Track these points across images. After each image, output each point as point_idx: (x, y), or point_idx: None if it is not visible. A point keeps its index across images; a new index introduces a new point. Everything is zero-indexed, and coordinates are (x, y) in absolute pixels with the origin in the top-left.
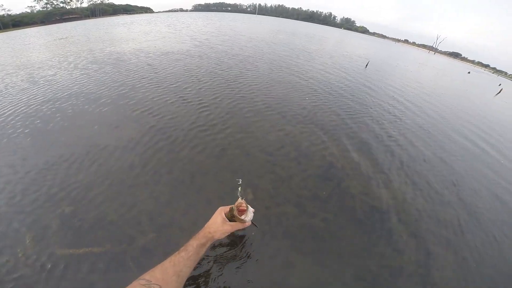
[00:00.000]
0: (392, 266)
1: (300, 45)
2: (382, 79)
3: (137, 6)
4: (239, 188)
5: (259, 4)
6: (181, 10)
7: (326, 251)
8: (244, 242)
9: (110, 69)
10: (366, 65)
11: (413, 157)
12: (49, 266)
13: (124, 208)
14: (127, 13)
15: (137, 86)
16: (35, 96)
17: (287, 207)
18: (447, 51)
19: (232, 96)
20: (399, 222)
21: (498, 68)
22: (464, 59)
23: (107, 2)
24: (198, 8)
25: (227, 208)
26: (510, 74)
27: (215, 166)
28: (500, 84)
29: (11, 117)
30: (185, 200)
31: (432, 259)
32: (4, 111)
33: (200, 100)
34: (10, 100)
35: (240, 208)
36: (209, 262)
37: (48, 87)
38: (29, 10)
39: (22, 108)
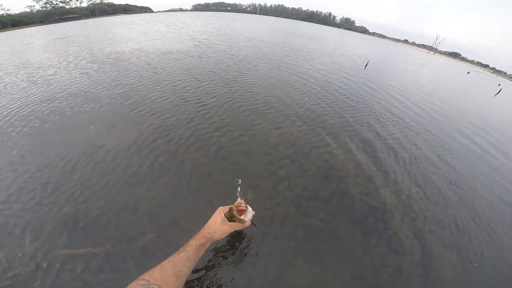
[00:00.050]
0: (392, 266)
1: (300, 45)
2: (382, 79)
3: (136, 6)
4: (239, 188)
5: (260, 4)
6: (181, 10)
7: (326, 251)
8: (244, 242)
9: (109, 68)
10: (366, 65)
11: (413, 156)
12: (49, 266)
13: (124, 208)
14: (126, 13)
15: (136, 86)
16: (34, 95)
17: (287, 207)
18: (447, 51)
19: (231, 96)
20: (398, 222)
21: (497, 68)
22: (464, 59)
23: (106, 1)
24: (197, 8)
25: (226, 208)
26: (510, 74)
27: (215, 166)
28: (499, 84)
29: (10, 117)
30: (185, 200)
31: (432, 259)
32: (4, 110)
33: (200, 100)
34: (10, 100)
35: (240, 208)
36: (208, 262)
37: (47, 86)
38: (28, 10)
39: (21, 108)
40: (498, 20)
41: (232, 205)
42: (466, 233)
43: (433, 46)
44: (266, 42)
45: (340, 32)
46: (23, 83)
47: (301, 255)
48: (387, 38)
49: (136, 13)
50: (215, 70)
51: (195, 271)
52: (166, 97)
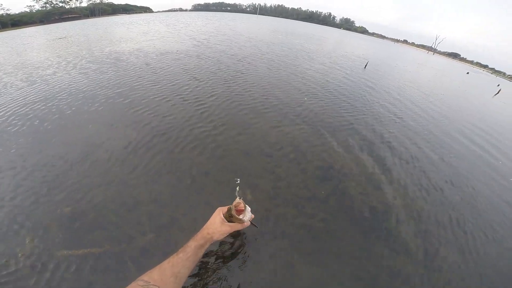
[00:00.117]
0: (391, 266)
1: (299, 45)
2: (381, 79)
3: (136, 5)
4: (237, 188)
5: (260, 4)
6: (181, 9)
7: (325, 251)
8: (243, 243)
9: (108, 68)
10: (365, 66)
11: (412, 156)
12: (49, 266)
13: (124, 208)
14: (126, 13)
15: (135, 85)
16: (34, 95)
17: (286, 207)
18: (446, 52)
19: (230, 95)
20: (398, 222)
21: (497, 69)
22: (463, 60)
23: (106, 1)
24: (197, 8)
25: (225, 209)
26: (509, 75)
27: (214, 166)
28: (498, 85)
29: (9, 116)
30: (185, 200)
31: (432, 259)
32: (4, 110)
33: (199, 99)
34: (9, 99)
35: (238, 208)
36: (208, 263)
37: (47, 86)
38: (28, 10)
39: (20, 107)
40: (498, 20)
41: (230, 205)
42: (466, 233)
43: (433, 46)
44: (265, 42)
45: (339, 32)
46: (22, 82)
47: (301, 255)
48: (387, 38)
49: (136, 13)
50: (214, 70)
51: (194, 272)
52: (165, 97)
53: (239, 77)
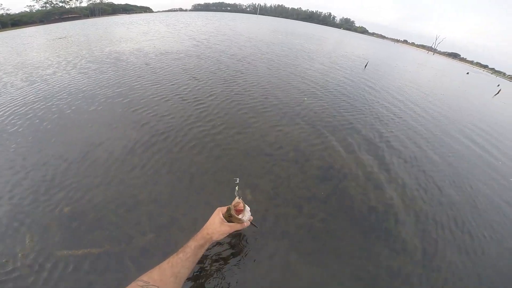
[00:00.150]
0: (390, 266)
1: (299, 45)
2: (381, 80)
3: (136, 5)
4: (237, 187)
5: (260, 4)
6: (181, 9)
7: (325, 251)
8: (243, 243)
9: (108, 68)
10: (365, 66)
11: (412, 156)
12: (49, 266)
13: (123, 208)
14: (126, 13)
15: (135, 85)
16: (33, 94)
17: (286, 207)
18: (446, 52)
19: (230, 95)
20: (398, 222)
21: (497, 69)
22: (463, 60)
23: (106, 1)
24: (197, 8)
25: (224, 209)
26: (509, 75)
27: (214, 166)
28: (498, 85)
29: (9, 116)
30: (184, 200)
31: (431, 259)
32: (3, 109)
33: (199, 99)
34: (9, 99)
35: (238, 208)
36: (207, 263)
37: (47, 86)
38: (28, 10)
39: (20, 107)
40: (498, 20)
41: (230, 205)
42: (465, 232)
43: (433, 46)
44: (265, 42)
45: (339, 32)
46: (22, 82)
47: (301, 255)
48: (387, 38)
49: (136, 13)
50: (214, 69)
51: (194, 272)
52: (164, 97)
53: (239, 76)
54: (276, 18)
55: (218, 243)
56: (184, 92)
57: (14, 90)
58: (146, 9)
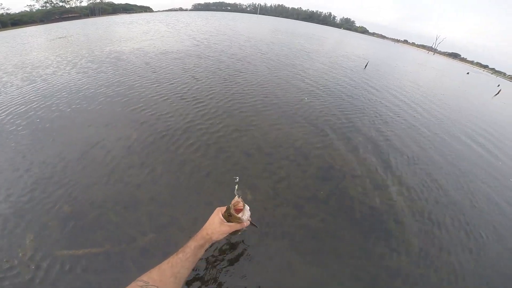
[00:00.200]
0: (390, 266)
1: (299, 45)
2: (382, 80)
3: (136, 5)
4: (236, 186)
5: (260, 4)
6: (181, 9)
7: (326, 251)
8: (243, 243)
9: (108, 68)
10: (366, 66)
11: (413, 156)
12: (49, 266)
13: (124, 208)
14: (126, 12)
15: (135, 85)
16: (33, 94)
17: (286, 207)
18: (446, 52)
19: (230, 95)
20: (397, 223)
21: (497, 69)
22: (463, 60)
23: (106, 1)
24: (197, 8)
25: (224, 209)
26: (509, 75)
27: (214, 166)
28: (498, 85)
29: (9, 116)
30: (184, 200)
31: (430, 260)
32: (3, 109)
33: (199, 99)
34: (9, 98)
35: (237, 207)
36: (207, 263)
37: (47, 85)
38: (28, 9)
39: (21, 106)
40: (498, 20)
41: (229, 204)
42: (465, 233)
43: (433, 46)
44: (265, 42)
45: (340, 32)
46: (22, 82)
47: (301, 255)
48: (387, 38)
49: (136, 12)
50: (213, 69)
51: (193, 272)
52: (164, 96)
53: (239, 76)
54: (277, 18)
55: (218, 243)
56: (184, 91)
57: (14, 90)
58: (146, 9)
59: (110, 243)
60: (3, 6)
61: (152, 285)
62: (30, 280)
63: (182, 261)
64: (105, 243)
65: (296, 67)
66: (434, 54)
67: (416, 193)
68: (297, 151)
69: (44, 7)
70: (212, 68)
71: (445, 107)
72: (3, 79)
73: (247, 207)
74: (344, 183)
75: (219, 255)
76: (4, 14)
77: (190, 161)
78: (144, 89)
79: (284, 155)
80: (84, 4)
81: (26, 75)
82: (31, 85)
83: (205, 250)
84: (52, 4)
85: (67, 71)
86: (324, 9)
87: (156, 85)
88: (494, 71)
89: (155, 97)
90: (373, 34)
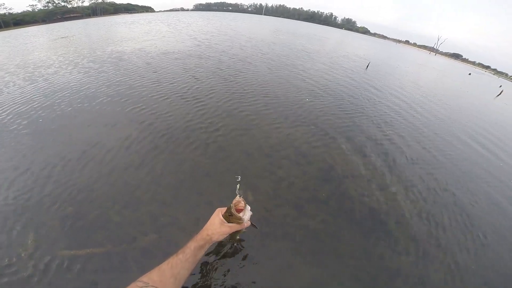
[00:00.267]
0: (390, 267)
1: (301, 45)
2: (383, 81)
3: (138, 5)
4: (238, 186)
5: (265, 4)
6: (182, 9)
7: (326, 252)
8: (243, 244)
9: (110, 68)
10: (367, 66)
11: (414, 157)
12: (51, 266)
13: (125, 208)
14: (128, 12)
15: (136, 85)
16: (35, 94)
17: (287, 208)
18: (448, 52)
19: (231, 96)
20: (397, 224)
21: (499, 70)
22: (465, 60)
23: (108, 1)
24: (199, 8)
25: (224, 209)
26: (511, 76)
27: (215, 166)
28: (500, 86)
29: (11, 115)
30: (186, 200)
31: (430, 260)
32: (5, 108)
33: (200, 100)
34: (11, 98)
35: (238, 207)
36: (207, 264)
37: (48, 85)
38: (30, 9)
39: (22, 106)
40: (498, 20)
41: (230, 204)
42: (464, 235)
43: (435, 47)
44: (266, 43)
45: (341, 32)
46: (24, 82)
47: (301, 256)
48: (388, 39)
49: (138, 12)
50: (214, 69)
51: (193, 273)
52: (165, 97)
53: (240, 76)
54: (278, 18)
55: (218, 244)
56: (184, 91)
57: (15, 89)
58: (147, 9)
59: (111, 243)
60: (5, 6)
61: (152, 286)
62: (32, 280)
63: (182, 262)
64: (106, 243)
65: (297, 68)
66: (435, 54)
67: (416, 193)
68: (298, 152)
69: (46, 7)
70: (213, 69)
71: (447, 107)
72: (5, 79)
73: (248, 207)
74: (344, 184)
75: (219, 255)
76: (7, 14)
77: (191, 161)
78: (144, 89)
79: (285, 155)
80: (86, 4)
81: (28, 74)
82: (33, 85)
83: (205, 251)
84: (54, 4)
85: (68, 71)
86: (324, 9)
87: (158, 86)
88: (496, 72)
89: (157, 98)
90: (374, 35)
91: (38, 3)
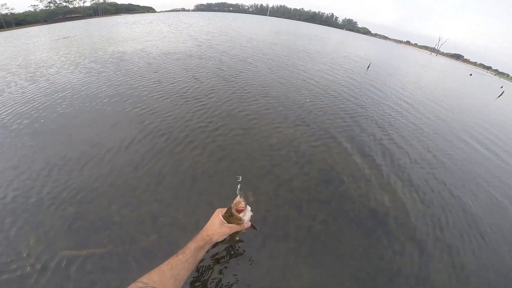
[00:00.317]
0: (390, 268)
1: (302, 46)
2: (384, 81)
3: (139, 5)
4: (238, 186)
5: (268, 5)
6: (183, 10)
7: (325, 252)
8: (243, 244)
9: (111, 68)
10: (368, 67)
11: (413, 160)
12: (52, 266)
13: (127, 209)
14: (129, 13)
15: (137, 85)
16: (36, 94)
17: (287, 209)
18: (449, 53)
19: (231, 96)
20: (398, 225)
21: (500, 70)
22: (466, 61)
23: (109, 1)
24: (200, 8)
25: (224, 210)
26: None
27: (215, 167)
28: (502, 87)
29: (12, 115)
30: (186, 201)
31: (430, 261)
32: (7, 108)
33: (201, 100)
34: (12, 98)
35: (239, 207)
36: (207, 264)
37: (49, 85)
38: (32, 9)
39: (23, 106)
40: (498, 20)
41: (231, 204)
42: (464, 236)
43: (436, 47)
44: (267, 43)
45: (342, 33)
46: (25, 82)
47: (301, 256)
48: (389, 39)
49: (139, 12)
50: (215, 70)
51: (194, 273)
52: (166, 97)
53: (241, 78)
54: (279, 18)
55: (218, 245)
56: (184, 90)
57: (17, 89)
58: (149, 9)
59: (113, 243)
60: (7, 6)
61: (151, 287)
62: (33, 280)
63: (182, 262)
64: (108, 244)
65: (298, 69)
66: (436, 55)
67: (417, 194)
68: (298, 153)
69: (48, 7)
70: (214, 69)
71: (448, 108)
72: (7, 79)
73: (248, 208)
74: (345, 184)
75: (219, 256)
76: (8, 14)
77: (192, 162)
78: (145, 89)
79: (286, 156)
80: (88, 4)
81: (30, 74)
82: (34, 85)
83: (205, 252)
84: (56, 4)
85: (70, 71)
86: (325, 10)
87: (158, 86)
88: (497, 73)
89: (158, 98)
90: (375, 35)
91: (39, 3)
